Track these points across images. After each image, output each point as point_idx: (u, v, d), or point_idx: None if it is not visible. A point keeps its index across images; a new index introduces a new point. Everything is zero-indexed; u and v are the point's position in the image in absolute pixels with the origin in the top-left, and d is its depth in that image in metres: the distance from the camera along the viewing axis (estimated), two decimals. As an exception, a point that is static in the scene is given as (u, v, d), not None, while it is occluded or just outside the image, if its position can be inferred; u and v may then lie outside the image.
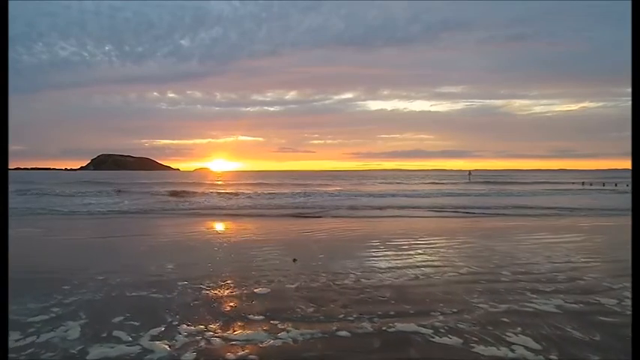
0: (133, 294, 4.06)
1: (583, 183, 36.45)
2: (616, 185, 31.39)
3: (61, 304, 3.69)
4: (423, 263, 5.57)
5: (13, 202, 15.21)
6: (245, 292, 4.15)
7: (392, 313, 3.56)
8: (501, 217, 11.66)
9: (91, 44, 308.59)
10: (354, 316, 3.46)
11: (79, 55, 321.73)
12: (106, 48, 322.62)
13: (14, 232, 8.49)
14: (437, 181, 38.85)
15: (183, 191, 20.30)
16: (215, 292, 4.15)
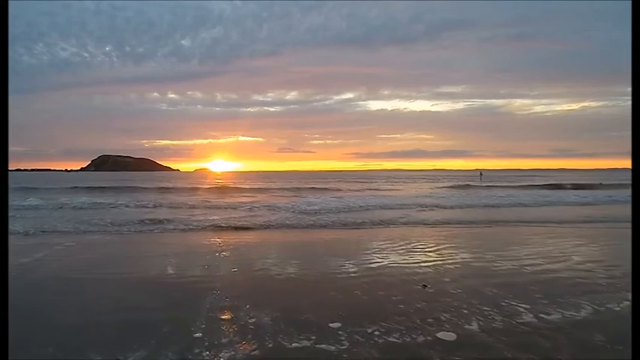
0: (294, 345, 3.26)
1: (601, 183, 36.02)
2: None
3: (222, 365, 2.88)
4: (581, 289, 4.84)
5: (46, 218, 14.19)
6: (428, 339, 3.37)
7: (649, 370, 2.81)
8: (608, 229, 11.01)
9: (91, 44, 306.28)
10: (615, 377, 2.72)
11: (80, 55, 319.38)
12: (107, 48, 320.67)
13: (80, 259, 7.60)
14: (455, 183, 38.02)
15: (226, 202, 19.04)
16: (391, 339, 3.35)
